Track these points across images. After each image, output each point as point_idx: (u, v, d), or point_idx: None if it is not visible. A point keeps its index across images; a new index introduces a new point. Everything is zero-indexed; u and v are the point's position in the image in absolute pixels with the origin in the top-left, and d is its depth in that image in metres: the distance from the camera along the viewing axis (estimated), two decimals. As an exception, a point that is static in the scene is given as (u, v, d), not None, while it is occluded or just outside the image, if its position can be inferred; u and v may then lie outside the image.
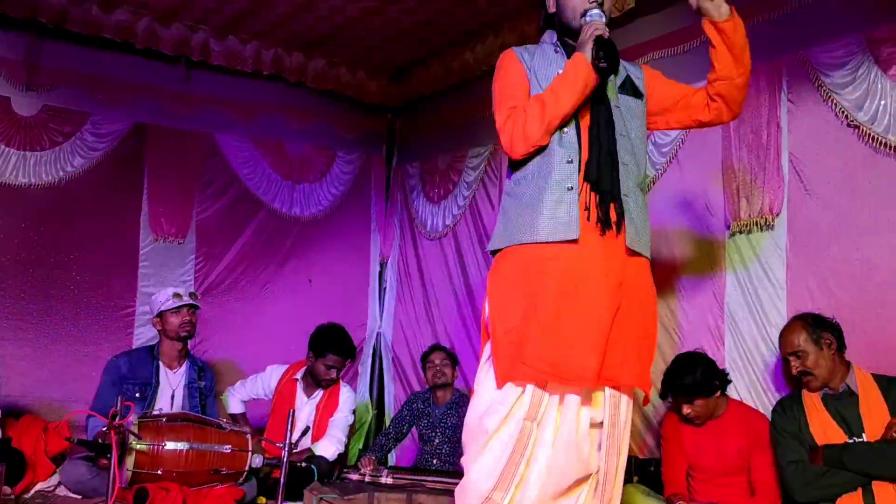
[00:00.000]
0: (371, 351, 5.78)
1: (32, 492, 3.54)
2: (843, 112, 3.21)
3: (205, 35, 4.93)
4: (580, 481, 2.22)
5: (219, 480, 3.33)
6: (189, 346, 4.13)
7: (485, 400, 2.25)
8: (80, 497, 3.40)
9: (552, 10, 2.40)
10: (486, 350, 2.31)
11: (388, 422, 5.06)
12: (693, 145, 3.75)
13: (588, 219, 2.21)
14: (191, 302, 3.98)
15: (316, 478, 3.50)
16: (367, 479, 3.65)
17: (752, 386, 3.45)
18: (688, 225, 3.75)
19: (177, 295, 3.96)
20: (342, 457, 4.27)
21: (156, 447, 3.21)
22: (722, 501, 3.21)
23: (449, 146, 5.38)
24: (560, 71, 2.27)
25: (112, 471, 2.78)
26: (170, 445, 3.23)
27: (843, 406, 2.90)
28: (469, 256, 5.09)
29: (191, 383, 3.99)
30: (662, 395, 3.41)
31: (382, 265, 5.92)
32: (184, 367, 4.01)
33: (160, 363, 3.94)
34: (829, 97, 3.26)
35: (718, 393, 3.25)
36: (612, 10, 2.41)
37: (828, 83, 3.26)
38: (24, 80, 4.64)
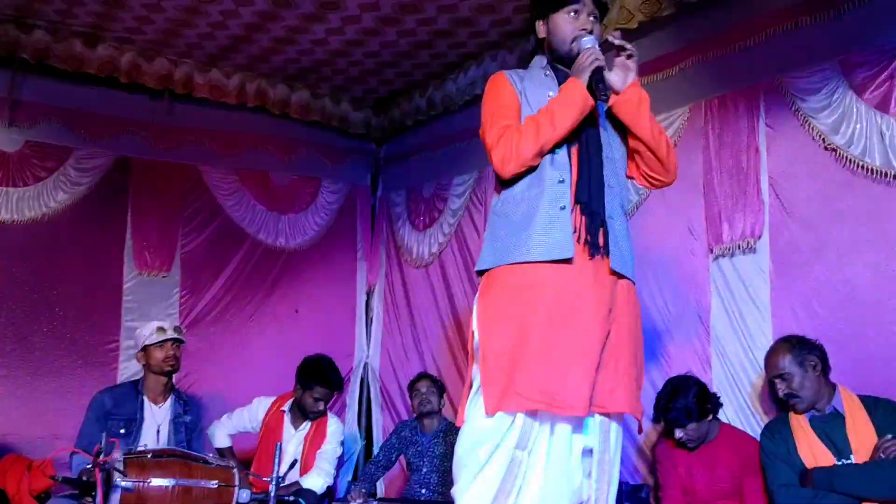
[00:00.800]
0: (358, 381, 5.75)
1: (16, 532, 3.48)
2: (820, 136, 3.26)
3: (188, 68, 4.95)
4: (572, 510, 2.21)
5: (206, 516, 3.28)
6: (174, 380, 4.08)
7: (475, 429, 2.23)
8: (65, 536, 3.35)
9: (542, 35, 2.42)
10: (475, 377, 2.28)
11: (376, 451, 5.02)
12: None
13: (578, 240, 2.21)
14: (175, 336, 3.94)
15: (305, 511, 3.46)
16: (356, 511, 3.61)
17: (739, 409, 3.45)
18: (671, 249, 3.78)
19: (161, 329, 3.92)
20: (331, 489, 4.22)
21: (141, 484, 3.16)
22: (714, 526, 3.20)
23: (433, 174, 5.41)
24: (551, 94, 2.29)
25: (97, 509, 2.74)
26: (155, 482, 3.17)
27: (831, 428, 2.90)
28: (455, 284, 5.09)
29: (176, 418, 3.95)
30: (655, 420, 3.41)
31: (369, 294, 5.91)
32: (169, 402, 3.97)
33: (145, 398, 3.89)
34: (807, 121, 3.31)
35: (710, 417, 3.25)
36: (601, 36, 2.44)
37: (805, 108, 3.32)
38: (6, 116, 4.64)
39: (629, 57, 2.28)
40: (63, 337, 4.71)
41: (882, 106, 3.07)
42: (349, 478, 5.28)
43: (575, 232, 2.21)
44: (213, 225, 5.30)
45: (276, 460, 2.99)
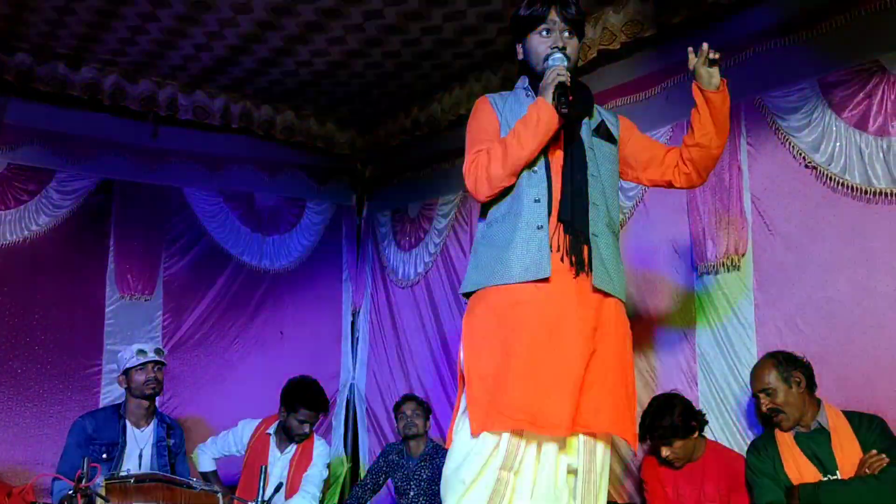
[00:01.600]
0: (344, 402, 5.72)
1: (-4, 560, 3.42)
2: (800, 154, 3.30)
3: (172, 90, 4.95)
4: (559, 531, 2.19)
5: (190, 542, 3.23)
6: (157, 404, 4.04)
7: (461, 450, 2.22)
8: (45, 564, 3.29)
9: (521, 57, 2.44)
10: (463, 399, 2.29)
11: (363, 474, 4.98)
12: (659, 189, 3.81)
13: (561, 260, 2.21)
14: (156, 358, 3.90)
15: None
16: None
17: (725, 426, 3.45)
18: (656, 268, 3.80)
19: (141, 352, 3.88)
20: (317, 513, 4.18)
21: (124, 510, 3.11)
22: (702, 544, 3.19)
23: (419, 195, 5.42)
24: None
25: (78, 536, 2.69)
26: (138, 508, 3.14)
27: (816, 444, 2.91)
28: (442, 303, 5.09)
29: (159, 442, 3.90)
30: (640, 438, 3.40)
31: (354, 315, 5.89)
32: (151, 426, 3.92)
33: (127, 422, 3.85)
34: (787, 140, 3.35)
35: (696, 434, 3.25)
36: (579, 56, 2.46)
37: (784, 126, 3.36)
38: (-12, 138, 4.62)
39: (712, 64, 2.31)
40: (44, 361, 4.66)
41: (860, 124, 3.11)
42: (335, 501, 5.23)
43: (557, 251, 2.22)
44: (197, 247, 5.28)
45: (262, 483, 2.96)
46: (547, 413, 2.12)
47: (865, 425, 2.86)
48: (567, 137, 2.30)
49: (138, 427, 3.88)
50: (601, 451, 2.28)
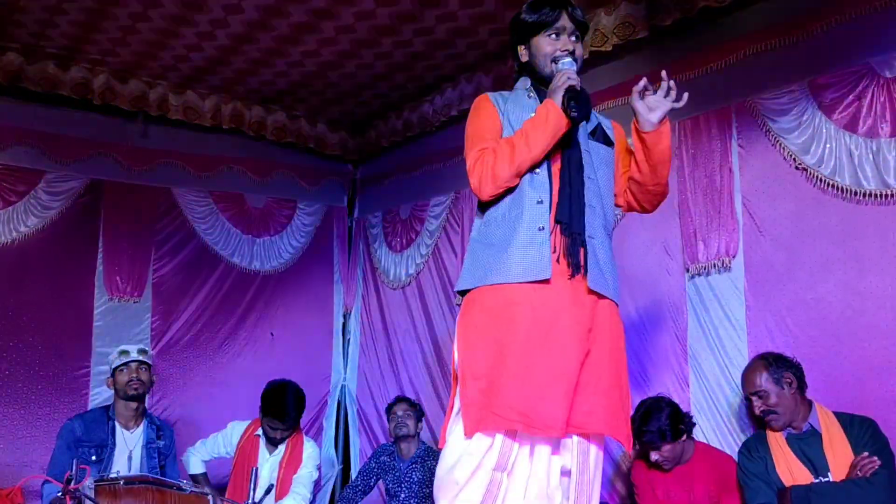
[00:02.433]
0: (335, 404, 5.70)
1: (-16, 563, 3.39)
2: (791, 156, 3.31)
3: (163, 90, 4.93)
4: (552, 532, 2.19)
5: (180, 544, 3.21)
6: (147, 405, 4.02)
7: (454, 451, 2.22)
8: (33, 568, 3.27)
9: (524, 59, 2.43)
10: (456, 400, 2.28)
11: (353, 476, 4.96)
12: (649, 191, 3.83)
13: (557, 261, 2.21)
14: (139, 358, 3.87)
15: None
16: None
17: (717, 427, 3.46)
18: (648, 268, 3.81)
19: (123, 352, 3.87)
20: (308, 514, 4.17)
21: (113, 512, 3.09)
22: (694, 546, 3.19)
23: (410, 196, 5.42)
24: (532, 116, 2.29)
25: (67, 539, 2.67)
26: (128, 510, 3.12)
27: (808, 445, 2.92)
28: (433, 305, 5.08)
29: (149, 443, 3.88)
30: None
31: (346, 316, 5.88)
32: (141, 427, 3.90)
33: (116, 424, 3.83)
34: (778, 141, 3.36)
35: (685, 437, 3.25)
36: (583, 56, 2.46)
37: (775, 128, 3.37)
38: (-24, 139, 4.58)
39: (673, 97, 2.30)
40: (32, 363, 4.63)
41: (850, 126, 3.13)
42: (326, 502, 5.22)
43: (554, 252, 2.22)
44: (187, 249, 5.25)
45: (252, 485, 2.94)
46: (541, 414, 2.11)
47: (857, 427, 2.87)
48: (564, 140, 2.30)
49: (127, 428, 3.86)
50: (594, 452, 2.28)
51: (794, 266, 3.29)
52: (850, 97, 3.13)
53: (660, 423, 3.17)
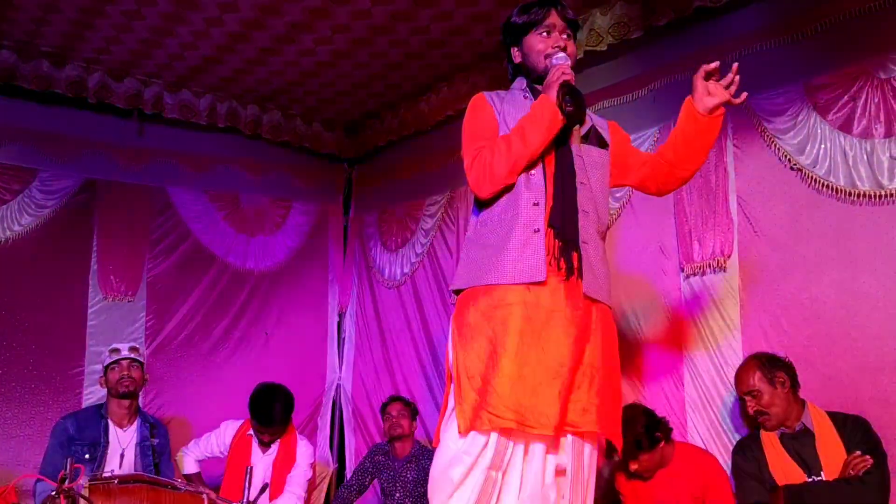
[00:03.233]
0: (330, 403, 5.69)
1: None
2: (786, 156, 3.32)
3: (158, 88, 4.92)
4: (547, 531, 2.19)
5: (174, 543, 3.20)
6: (141, 404, 4.01)
7: (449, 450, 2.22)
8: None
9: (518, 60, 2.44)
10: (451, 399, 2.28)
11: (348, 475, 4.96)
12: (645, 190, 3.83)
13: (550, 264, 2.22)
14: (129, 356, 3.87)
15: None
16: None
17: (711, 426, 3.47)
18: (643, 269, 3.81)
19: (114, 350, 3.89)
20: (302, 514, 4.16)
21: (107, 511, 3.08)
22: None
23: (406, 195, 5.41)
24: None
25: (61, 538, 2.66)
26: (122, 509, 3.11)
27: (801, 445, 2.92)
28: (428, 304, 5.08)
29: (143, 441, 3.87)
30: (607, 455, 3.39)
31: (341, 315, 5.87)
32: (135, 426, 3.90)
33: (109, 422, 3.82)
34: (773, 142, 3.37)
35: (662, 443, 3.23)
36: (576, 53, 2.47)
37: (770, 129, 3.38)
38: (-30, 138, 4.56)
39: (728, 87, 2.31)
40: (26, 362, 4.61)
41: (845, 127, 3.14)
42: (321, 502, 5.21)
43: (548, 255, 2.22)
44: (181, 248, 5.24)
45: (247, 484, 2.94)
46: (535, 413, 2.12)
47: (850, 426, 2.88)
48: (558, 145, 2.30)
49: (121, 427, 3.85)
50: (588, 451, 2.28)
51: (788, 266, 3.30)
52: (845, 98, 3.14)
53: (635, 434, 3.13)
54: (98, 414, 3.85)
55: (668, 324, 3.68)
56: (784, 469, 2.92)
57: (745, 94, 2.32)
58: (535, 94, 2.37)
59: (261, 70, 4.77)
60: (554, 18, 2.35)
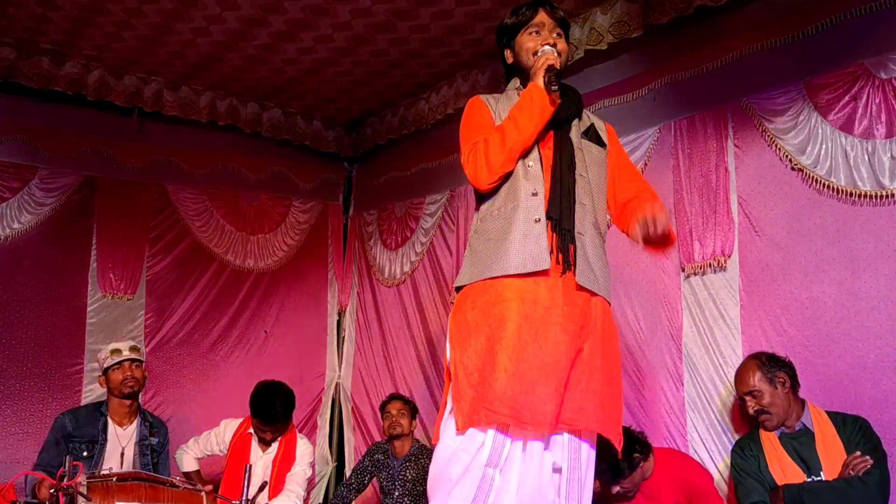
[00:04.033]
0: (330, 401, 5.69)
1: (-25, 559, 3.38)
2: (787, 156, 3.32)
3: (158, 86, 4.91)
4: (545, 529, 2.19)
5: (172, 542, 3.20)
6: (141, 402, 4.01)
7: (447, 448, 2.22)
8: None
9: (510, 61, 2.48)
10: (449, 397, 2.29)
11: (348, 473, 4.96)
12: (645, 190, 3.83)
13: (550, 255, 2.22)
14: (131, 356, 3.86)
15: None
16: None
17: (710, 425, 3.47)
18: (643, 268, 3.81)
19: (115, 351, 3.86)
20: (302, 512, 4.16)
21: (106, 509, 3.08)
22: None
23: (406, 194, 5.41)
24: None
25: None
26: (121, 507, 3.11)
27: (800, 444, 2.92)
28: (428, 303, 5.08)
29: (142, 440, 3.87)
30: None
31: (340, 314, 5.87)
32: (135, 424, 3.89)
33: (108, 420, 3.82)
34: (774, 142, 3.37)
35: (642, 461, 3.18)
36: (569, 56, 2.49)
37: (771, 129, 3.38)
38: (-31, 135, 4.56)
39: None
40: (25, 359, 4.61)
41: (846, 127, 3.14)
42: (319, 501, 5.21)
43: (549, 245, 2.23)
44: (181, 246, 5.23)
45: (246, 482, 2.93)
46: (530, 409, 2.12)
47: (849, 426, 2.88)
48: (557, 137, 2.33)
49: (121, 425, 3.85)
50: (586, 450, 2.28)
51: (789, 266, 3.29)
52: (846, 98, 3.14)
53: (612, 460, 3.01)
54: (98, 411, 3.85)
55: (668, 323, 3.67)
56: (783, 469, 2.92)
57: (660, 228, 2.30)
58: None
59: (261, 68, 4.76)
60: (542, 17, 2.40)
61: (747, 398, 3.02)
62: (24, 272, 4.68)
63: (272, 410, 4.05)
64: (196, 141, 5.28)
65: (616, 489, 3.19)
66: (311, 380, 5.50)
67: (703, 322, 3.53)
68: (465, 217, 4.78)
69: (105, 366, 3.85)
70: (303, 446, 4.24)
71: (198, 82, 4.99)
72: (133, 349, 3.91)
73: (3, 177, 4.66)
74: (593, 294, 2.28)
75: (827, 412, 2.96)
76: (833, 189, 3.17)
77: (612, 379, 2.29)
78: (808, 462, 2.89)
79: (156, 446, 3.91)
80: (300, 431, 4.33)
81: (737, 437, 3.29)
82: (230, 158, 5.46)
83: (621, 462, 3.09)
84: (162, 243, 5.17)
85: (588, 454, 2.29)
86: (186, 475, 4.17)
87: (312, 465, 4.32)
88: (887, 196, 3.00)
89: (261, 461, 4.14)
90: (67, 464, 2.82)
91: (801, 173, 3.27)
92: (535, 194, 2.26)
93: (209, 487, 3.07)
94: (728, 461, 3.21)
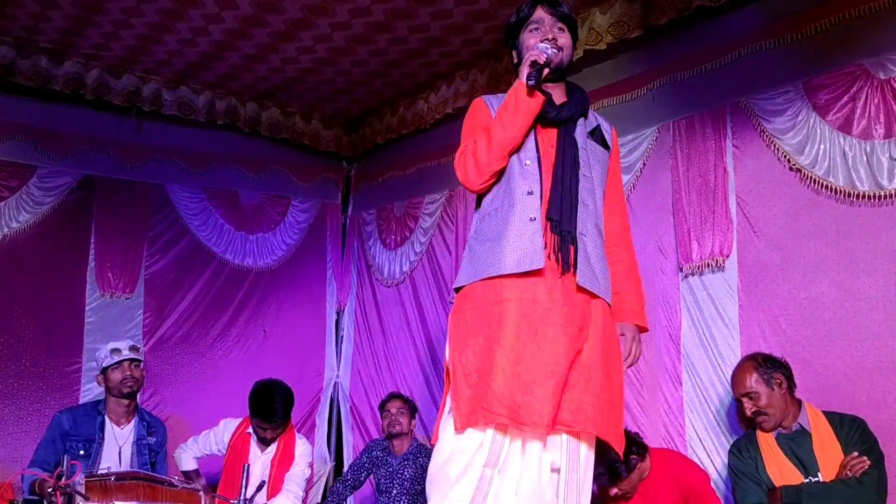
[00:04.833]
0: (328, 401, 5.69)
1: (-27, 558, 3.37)
2: (785, 156, 3.32)
3: (157, 85, 4.90)
4: (543, 529, 2.19)
5: (170, 541, 3.20)
6: (139, 402, 4.01)
7: (446, 448, 2.22)
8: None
9: (516, 60, 2.48)
10: (449, 398, 2.28)
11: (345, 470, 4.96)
12: (644, 189, 3.83)
13: (549, 257, 2.22)
14: (131, 356, 3.85)
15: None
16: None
17: (709, 425, 3.47)
18: (642, 268, 3.74)
19: (115, 350, 3.84)
20: (300, 512, 4.16)
21: (104, 508, 3.07)
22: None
23: (405, 193, 5.41)
24: None
25: (57, 535, 2.66)
26: (118, 506, 3.11)
27: (798, 445, 2.92)
28: (427, 302, 5.07)
29: (139, 439, 3.86)
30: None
31: (339, 313, 5.87)
32: (132, 424, 3.88)
33: (106, 419, 3.81)
34: (772, 142, 3.37)
35: (639, 463, 3.19)
36: (573, 51, 2.46)
37: (770, 129, 3.38)
38: (-33, 134, 4.55)
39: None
40: (23, 359, 4.61)
41: (845, 127, 3.13)
42: (318, 500, 5.21)
43: (545, 248, 2.22)
44: (179, 245, 5.23)
45: (244, 482, 2.93)
46: (528, 409, 2.11)
47: (846, 426, 2.87)
48: (560, 136, 2.32)
49: (119, 424, 3.84)
50: (584, 451, 2.27)
51: (787, 266, 3.29)
52: (845, 98, 3.14)
53: (610, 461, 3.06)
54: (95, 410, 3.84)
55: (666, 323, 3.67)
56: (781, 470, 2.91)
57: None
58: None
59: (260, 67, 4.76)
60: (540, 14, 2.39)
61: (744, 400, 3.01)
62: (23, 271, 4.68)
63: (272, 409, 4.05)
64: (194, 140, 5.28)
65: (615, 491, 3.19)
66: (309, 379, 5.50)
67: (701, 322, 3.53)
68: (464, 217, 4.78)
69: (104, 365, 3.84)
70: (302, 446, 4.24)
71: (196, 81, 4.98)
72: (133, 349, 3.90)
73: (2, 176, 4.65)
74: (594, 296, 2.28)
75: (824, 412, 2.95)
76: (831, 189, 3.17)
77: (612, 382, 2.28)
78: (806, 463, 2.88)
79: (153, 445, 3.90)
80: (298, 431, 4.33)
81: (734, 436, 3.29)
82: (229, 157, 5.46)
83: (618, 464, 3.10)
84: (160, 242, 5.16)
85: (587, 455, 2.28)
86: (185, 474, 4.17)
87: (311, 465, 4.32)
88: (886, 196, 3.00)
89: (259, 461, 4.14)
90: (65, 463, 2.81)
91: (799, 173, 3.27)
92: (530, 193, 2.26)
93: (209, 492, 3.06)
94: (726, 461, 3.21)
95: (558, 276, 2.22)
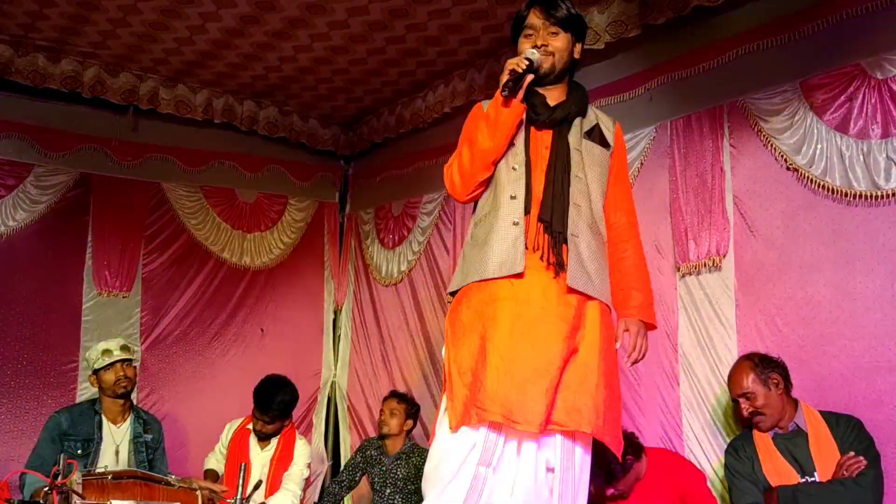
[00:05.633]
0: (325, 400, 5.69)
1: (-32, 559, 3.36)
2: (782, 156, 3.32)
3: (154, 83, 4.90)
4: (540, 528, 2.19)
5: (167, 540, 3.20)
6: (136, 400, 4.00)
7: (441, 446, 2.23)
8: (20, 563, 3.24)
9: None
10: (444, 398, 2.29)
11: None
12: (641, 189, 3.83)
13: (541, 258, 2.23)
14: (123, 356, 3.83)
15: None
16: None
17: (706, 424, 3.47)
18: (638, 267, 3.80)
19: (106, 351, 3.81)
20: (297, 511, 4.16)
21: (100, 507, 3.07)
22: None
23: (403, 192, 5.41)
24: (523, 116, 2.34)
25: (54, 534, 2.65)
26: (115, 505, 3.10)
27: (794, 445, 2.92)
28: (425, 302, 5.07)
29: (136, 438, 3.86)
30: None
31: (336, 313, 5.87)
32: (128, 422, 3.88)
33: (103, 418, 3.80)
34: (769, 142, 3.37)
35: (635, 463, 3.20)
36: (571, 52, 2.43)
37: (767, 128, 3.38)
38: (-36, 133, 4.55)
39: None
40: (20, 357, 4.60)
41: (841, 127, 3.13)
42: (315, 499, 5.21)
43: (536, 250, 2.24)
44: (177, 244, 5.23)
45: (241, 480, 2.93)
46: (521, 409, 2.12)
47: (843, 426, 2.88)
48: (554, 138, 2.32)
49: (115, 423, 3.84)
50: (580, 451, 2.27)
51: (784, 266, 3.29)
52: (842, 98, 3.14)
53: (606, 463, 3.05)
54: (92, 409, 3.83)
55: (663, 323, 3.67)
56: (777, 470, 2.92)
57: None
58: (526, 94, 2.36)
59: (257, 66, 4.75)
60: (532, 19, 2.39)
61: (741, 400, 3.01)
62: (20, 270, 4.67)
63: (270, 400, 4.07)
64: (192, 138, 5.28)
65: (610, 491, 3.20)
66: (306, 378, 5.49)
67: (698, 322, 3.53)
68: (462, 216, 4.77)
69: (95, 366, 3.81)
70: (301, 446, 4.25)
71: (194, 80, 4.98)
72: (124, 349, 3.87)
73: (-1, 174, 4.66)
74: (590, 297, 2.28)
75: (820, 412, 2.95)
76: (828, 189, 3.17)
77: (609, 383, 2.27)
78: (802, 462, 2.88)
79: (150, 443, 3.90)
80: (297, 430, 4.33)
81: (730, 436, 3.29)
82: (226, 156, 5.46)
83: (614, 465, 3.10)
84: (158, 241, 5.16)
85: (582, 455, 2.28)
86: (208, 472, 4.20)
87: (310, 466, 4.32)
88: (882, 196, 3.00)
89: (259, 459, 4.14)
90: (62, 461, 2.81)
91: (796, 173, 3.27)
92: (513, 198, 2.28)
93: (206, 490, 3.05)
94: (723, 461, 3.21)
95: (552, 276, 2.22)
